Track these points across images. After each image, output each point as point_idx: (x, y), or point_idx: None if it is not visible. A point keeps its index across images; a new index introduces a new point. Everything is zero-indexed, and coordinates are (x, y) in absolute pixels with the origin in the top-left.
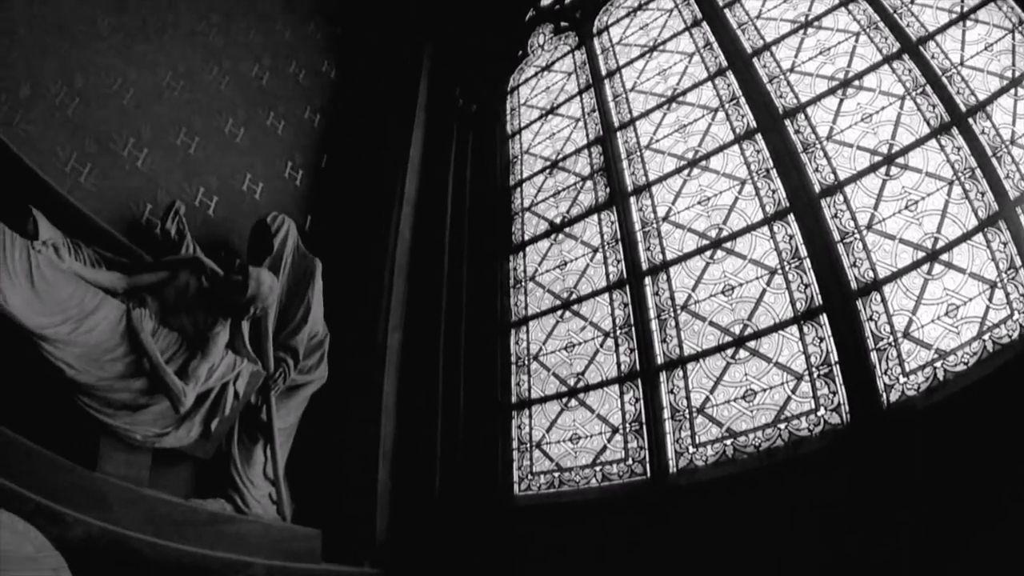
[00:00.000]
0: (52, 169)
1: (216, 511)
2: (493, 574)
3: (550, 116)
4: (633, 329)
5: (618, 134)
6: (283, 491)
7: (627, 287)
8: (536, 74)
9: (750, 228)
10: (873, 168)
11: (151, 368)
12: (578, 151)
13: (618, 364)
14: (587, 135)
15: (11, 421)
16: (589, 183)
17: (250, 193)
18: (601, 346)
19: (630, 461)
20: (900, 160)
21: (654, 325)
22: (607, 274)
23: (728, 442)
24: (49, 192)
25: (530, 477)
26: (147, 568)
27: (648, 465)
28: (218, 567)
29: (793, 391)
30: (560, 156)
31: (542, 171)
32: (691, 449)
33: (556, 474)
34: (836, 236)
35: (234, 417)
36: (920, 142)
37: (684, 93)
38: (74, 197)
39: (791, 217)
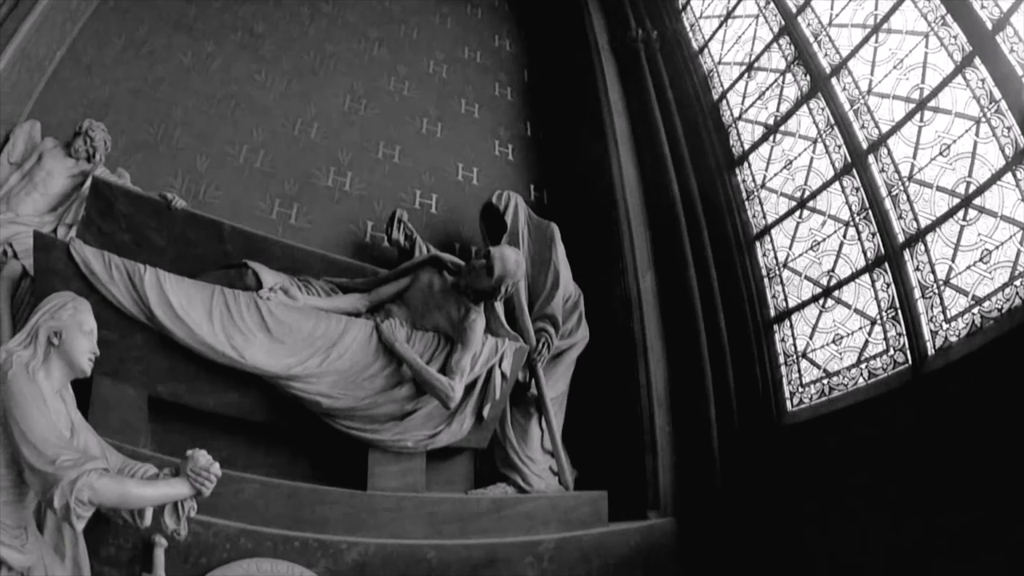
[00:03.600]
0: (255, 220)
1: (498, 496)
2: (780, 497)
3: (729, 21)
4: (870, 211)
5: (799, 18)
6: (563, 460)
7: (854, 170)
8: None
9: (946, 81)
10: None
11: (413, 373)
12: (767, 47)
13: (863, 252)
14: (770, 28)
15: (288, 472)
16: (788, 76)
17: (467, 181)
18: (844, 237)
19: (891, 351)
20: None
21: (888, 203)
22: (831, 162)
23: (975, 311)
24: (262, 242)
25: (800, 391)
26: (437, 572)
27: (908, 352)
28: (508, 553)
29: (1022, 242)
30: (752, 57)
31: (740, 77)
32: (944, 326)
33: (825, 381)
34: (1019, 71)
35: (505, 399)
36: None
37: None
38: (289, 238)
39: (977, 60)
